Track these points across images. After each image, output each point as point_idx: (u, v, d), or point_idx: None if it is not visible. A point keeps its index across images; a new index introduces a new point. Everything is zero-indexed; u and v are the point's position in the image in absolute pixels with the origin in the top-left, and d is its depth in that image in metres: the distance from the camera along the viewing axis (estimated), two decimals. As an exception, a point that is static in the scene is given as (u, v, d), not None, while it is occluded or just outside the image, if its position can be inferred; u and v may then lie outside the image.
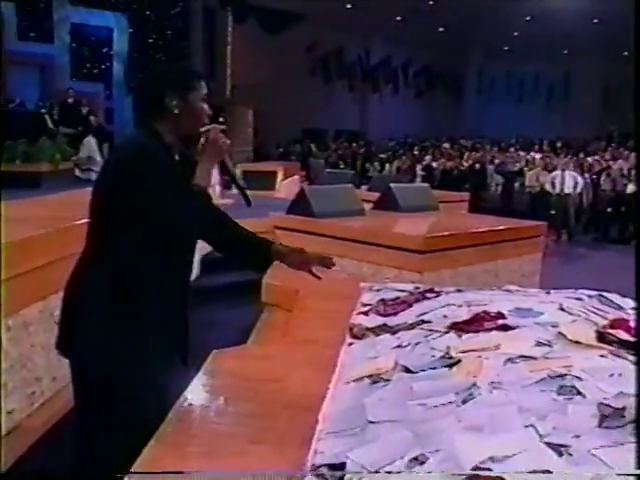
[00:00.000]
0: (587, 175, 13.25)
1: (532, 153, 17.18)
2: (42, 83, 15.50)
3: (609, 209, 12.61)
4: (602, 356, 2.04)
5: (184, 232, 2.13)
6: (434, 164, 16.09)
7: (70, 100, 13.58)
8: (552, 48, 25.63)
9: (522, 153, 17.03)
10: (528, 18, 24.17)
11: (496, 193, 14.27)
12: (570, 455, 1.38)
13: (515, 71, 29.08)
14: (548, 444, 1.43)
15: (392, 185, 6.60)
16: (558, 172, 12.76)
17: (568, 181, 12.48)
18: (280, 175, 10.80)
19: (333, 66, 26.32)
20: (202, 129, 2.18)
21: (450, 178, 14.96)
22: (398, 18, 24.40)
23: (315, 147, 21.19)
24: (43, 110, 12.68)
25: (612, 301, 3.03)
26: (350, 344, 2.51)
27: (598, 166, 14.11)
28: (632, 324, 2.53)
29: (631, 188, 12.42)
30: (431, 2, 22.80)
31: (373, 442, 1.60)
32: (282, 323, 3.17)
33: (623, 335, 2.33)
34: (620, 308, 2.94)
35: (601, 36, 23.23)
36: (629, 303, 3.04)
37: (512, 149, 17.89)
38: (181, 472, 1.38)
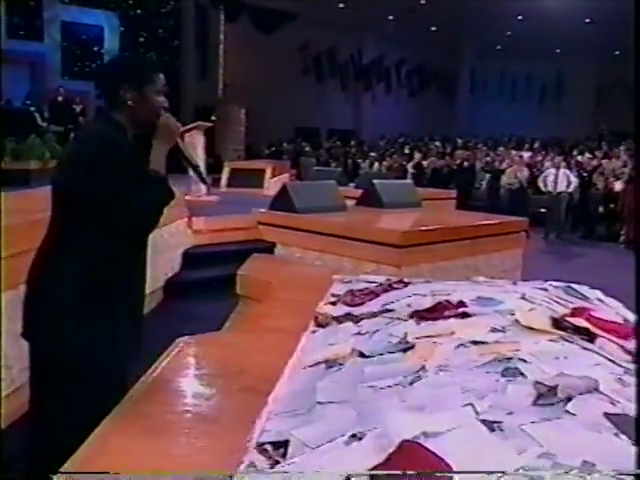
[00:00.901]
0: (575, 173, 13.30)
1: (522, 152, 17.25)
2: (32, 81, 15.52)
3: (600, 208, 12.67)
4: (552, 341, 2.08)
5: (145, 216, 2.18)
6: (424, 163, 16.15)
7: (60, 98, 13.59)
8: (544, 47, 25.71)
9: (513, 152, 17.09)
10: (520, 17, 24.25)
11: (485, 191, 14.34)
12: (501, 431, 1.42)
13: (508, 70, 29.14)
14: (482, 421, 1.47)
15: (375, 181, 6.65)
16: (552, 170, 12.80)
17: (561, 180, 12.54)
18: (268, 173, 10.84)
19: (326, 65, 26.34)
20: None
21: (440, 176, 15.02)
22: (390, 17, 24.46)
23: (308, 146, 21.23)
24: (32, 108, 12.70)
25: (578, 292, 3.08)
26: (313, 332, 2.56)
27: (589, 165, 14.17)
28: (594, 313, 2.59)
29: (618, 186, 12.48)
30: (423, 2, 22.85)
31: (318, 421, 1.65)
32: (254, 314, 3.21)
33: (580, 322, 2.38)
34: (585, 298, 2.99)
35: (593, 36, 23.33)
36: (596, 294, 3.10)
37: (502, 148, 17.95)
38: (107, 472, 1.40)
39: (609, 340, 2.25)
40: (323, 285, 3.31)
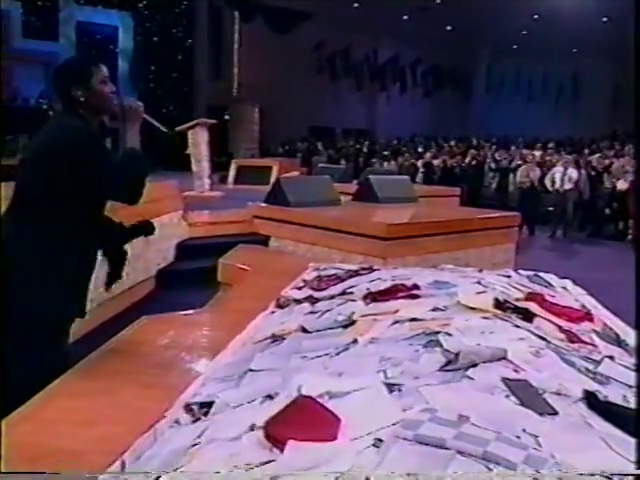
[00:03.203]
0: (584, 172, 13.27)
1: (534, 151, 17.18)
2: (47, 80, 15.77)
3: (606, 208, 12.64)
4: (485, 318, 2.18)
5: (131, 189, 2.40)
6: (435, 162, 16.19)
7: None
8: (561, 47, 25.51)
9: (525, 151, 17.03)
10: (536, 17, 24.11)
11: (494, 189, 14.40)
12: (399, 391, 1.54)
13: (524, 70, 28.98)
14: (387, 384, 1.59)
15: (370, 177, 6.75)
16: (559, 168, 12.80)
17: (568, 178, 12.54)
18: (275, 170, 10.93)
19: (340, 65, 26.42)
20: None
21: (450, 175, 15.07)
22: (405, 17, 24.48)
23: (321, 145, 21.32)
24: (45, 106, 12.94)
25: (544, 279, 3.18)
26: (272, 312, 2.68)
27: (601, 164, 14.11)
28: (549, 298, 2.69)
29: (621, 185, 12.43)
30: (438, 1, 22.84)
31: (245, 386, 1.77)
32: (226, 297, 3.34)
33: (522, 304, 2.48)
34: (550, 286, 3.09)
35: (611, 34, 23.08)
36: (563, 283, 3.20)
37: (514, 147, 17.92)
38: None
39: (548, 320, 2.35)
40: (298, 272, 3.43)
